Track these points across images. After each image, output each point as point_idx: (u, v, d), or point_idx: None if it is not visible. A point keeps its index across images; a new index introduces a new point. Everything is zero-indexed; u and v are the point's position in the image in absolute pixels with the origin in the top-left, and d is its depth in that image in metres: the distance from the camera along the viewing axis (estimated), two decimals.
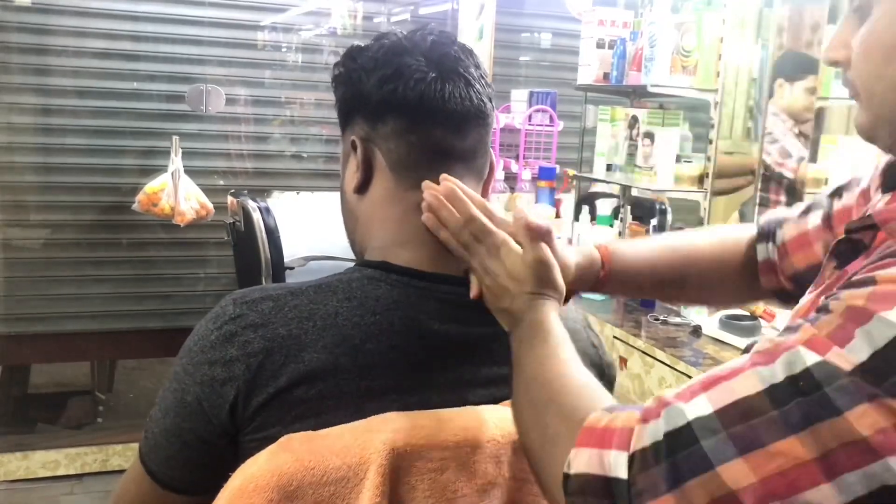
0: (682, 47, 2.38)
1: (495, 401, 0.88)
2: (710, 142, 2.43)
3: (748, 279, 1.04)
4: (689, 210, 2.66)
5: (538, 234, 0.83)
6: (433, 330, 0.85)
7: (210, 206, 3.02)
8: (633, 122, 2.59)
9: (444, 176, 0.86)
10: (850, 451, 0.54)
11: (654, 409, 0.62)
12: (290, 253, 2.44)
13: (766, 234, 1.04)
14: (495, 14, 3.22)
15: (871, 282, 0.60)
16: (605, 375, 0.98)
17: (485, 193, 0.94)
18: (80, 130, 3.05)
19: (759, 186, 2.31)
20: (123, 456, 3.11)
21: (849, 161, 2.40)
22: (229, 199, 2.66)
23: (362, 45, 0.91)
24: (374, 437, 0.77)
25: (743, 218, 2.47)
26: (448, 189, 0.85)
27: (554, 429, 0.69)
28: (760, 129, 2.33)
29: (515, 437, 0.83)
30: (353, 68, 0.90)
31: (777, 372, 0.58)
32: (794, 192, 2.21)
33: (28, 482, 3.00)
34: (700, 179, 2.46)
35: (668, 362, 1.89)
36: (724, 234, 1.09)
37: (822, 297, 0.68)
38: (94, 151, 3.08)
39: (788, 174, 2.22)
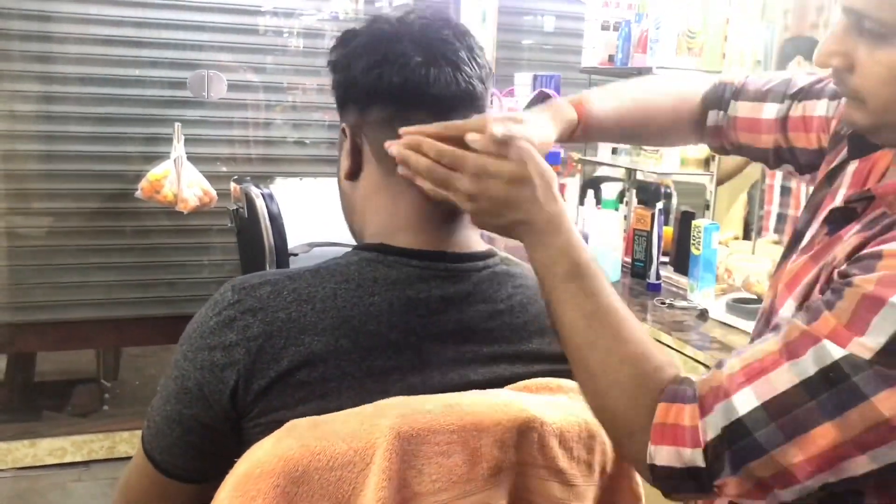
0: (688, 29, 2.36)
1: (498, 378, 0.88)
2: None
3: (697, 132, 1.19)
4: (694, 193, 2.65)
5: (516, 151, 0.80)
6: (433, 309, 0.85)
7: (213, 192, 3.02)
8: None
9: (402, 130, 0.83)
10: (878, 431, 0.65)
11: (709, 402, 0.72)
12: (293, 239, 2.43)
13: (717, 102, 1.16)
14: None
15: (878, 256, 0.70)
16: None
17: None
18: (82, 118, 3.04)
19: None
20: (129, 443, 3.12)
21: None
22: (232, 185, 2.65)
23: (357, 28, 0.91)
24: (380, 421, 0.77)
25: (751, 201, 2.45)
26: (410, 140, 0.82)
27: (625, 403, 0.76)
28: None
29: (521, 420, 0.83)
30: (343, 54, 0.90)
31: (808, 366, 0.68)
32: None
33: (35, 469, 3.02)
34: (706, 162, 2.45)
35: (674, 346, 1.88)
36: (678, 90, 1.20)
37: (829, 272, 0.82)
38: (96, 139, 3.07)
39: None
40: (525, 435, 0.83)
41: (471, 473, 0.81)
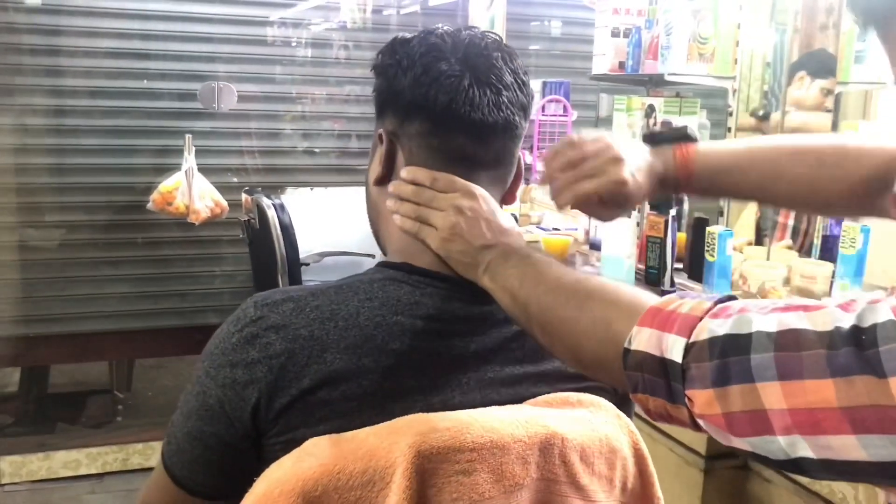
0: (699, 34, 2.35)
1: (521, 399, 0.87)
2: (729, 129, 2.40)
3: (871, 196, 0.97)
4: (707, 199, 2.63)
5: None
6: (455, 330, 0.85)
7: (224, 203, 3.02)
8: (650, 111, 2.56)
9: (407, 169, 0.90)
10: (879, 415, 0.53)
11: (727, 311, 0.63)
12: (305, 249, 2.44)
13: None
14: (506, 4, 3.19)
15: None
16: None
17: (510, 199, 0.95)
18: (93, 131, 3.05)
19: None
20: (144, 455, 3.12)
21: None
22: (243, 196, 2.66)
23: (408, 36, 0.91)
24: (399, 439, 0.76)
25: (764, 210, 2.43)
26: (399, 189, 0.90)
27: (603, 313, 0.71)
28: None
29: (542, 437, 0.82)
30: (390, 63, 0.90)
31: (848, 318, 0.57)
32: None
33: (50, 482, 3.02)
34: None
35: None
36: (855, 141, 1.04)
37: None
38: (107, 151, 3.08)
39: None
40: (546, 451, 0.82)
41: (492, 491, 0.80)
